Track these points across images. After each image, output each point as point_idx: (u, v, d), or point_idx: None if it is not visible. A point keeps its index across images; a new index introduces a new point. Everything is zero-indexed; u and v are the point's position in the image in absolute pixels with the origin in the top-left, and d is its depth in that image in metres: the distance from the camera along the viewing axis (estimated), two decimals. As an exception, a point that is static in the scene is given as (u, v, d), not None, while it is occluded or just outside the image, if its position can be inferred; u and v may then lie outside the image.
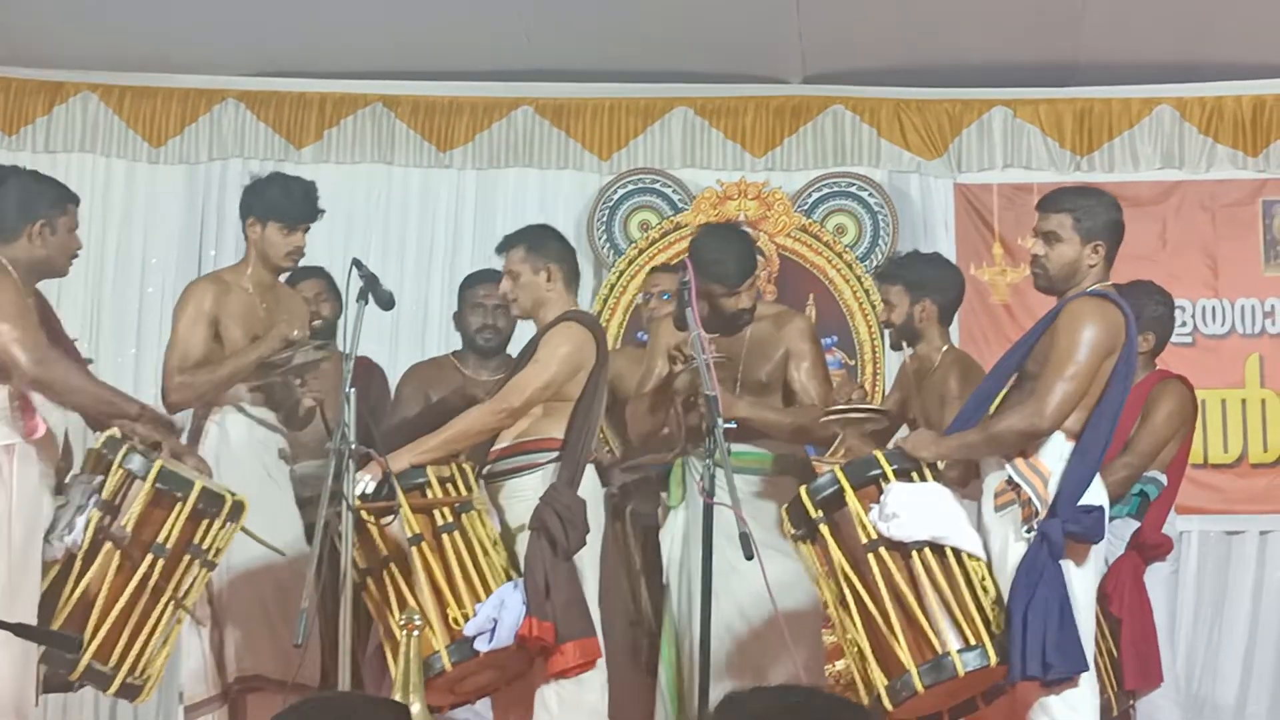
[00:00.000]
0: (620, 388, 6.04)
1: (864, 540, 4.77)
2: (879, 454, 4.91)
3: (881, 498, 4.79)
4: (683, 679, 5.51)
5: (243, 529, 5.16)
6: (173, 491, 5.02)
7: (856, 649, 4.79)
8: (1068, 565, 4.71)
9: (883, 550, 4.75)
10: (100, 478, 5.02)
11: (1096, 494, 4.81)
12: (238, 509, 5.11)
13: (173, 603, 5.05)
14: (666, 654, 5.57)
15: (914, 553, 4.75)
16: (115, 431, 5.09)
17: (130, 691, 5.03)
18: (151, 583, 4.99)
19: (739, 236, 5.84)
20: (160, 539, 5.01)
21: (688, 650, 5.43)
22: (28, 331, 4.97)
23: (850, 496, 4.82)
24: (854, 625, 4.76)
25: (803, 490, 4.91)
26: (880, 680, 4.69)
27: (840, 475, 4.85)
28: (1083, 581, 4.78)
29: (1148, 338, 5.98)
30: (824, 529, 4.84)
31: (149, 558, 4.99)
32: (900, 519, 4.73)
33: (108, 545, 4.96)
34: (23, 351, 4.92)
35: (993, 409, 4.95)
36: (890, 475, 4.83)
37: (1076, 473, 4.74)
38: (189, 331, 5.65)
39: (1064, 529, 4.67)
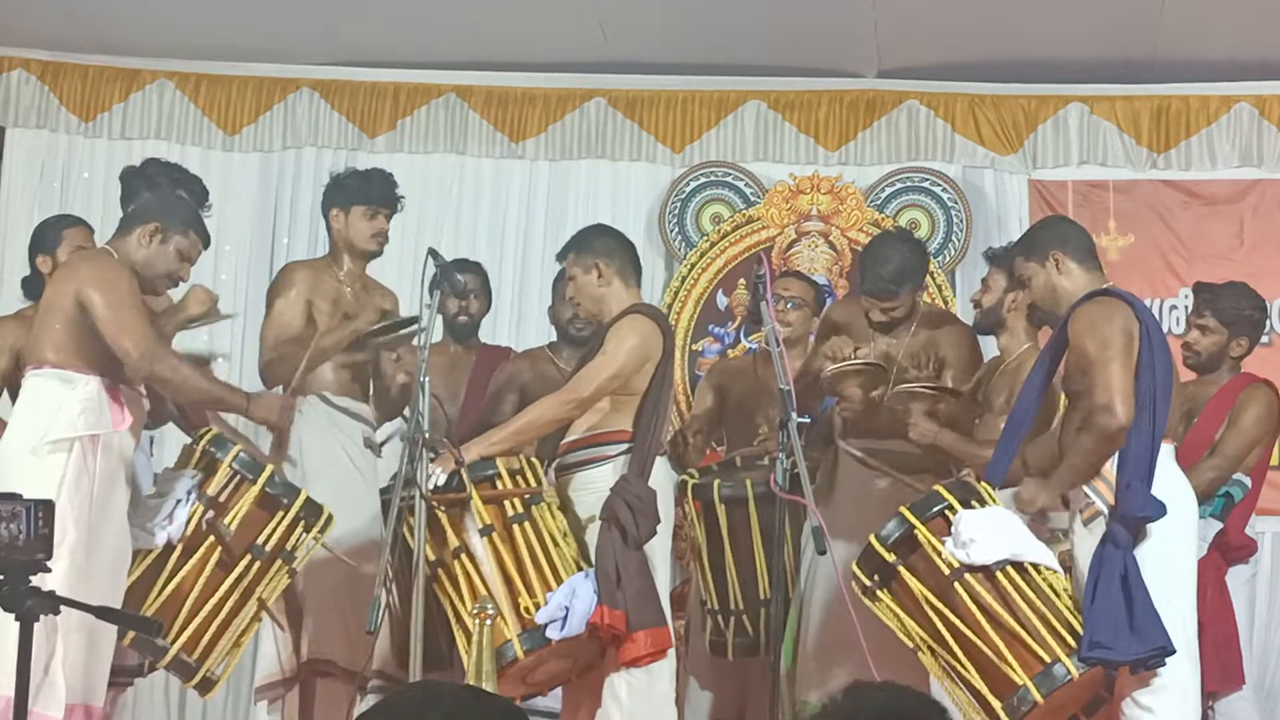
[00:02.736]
0: None
1: (946, 572, 4.80)
2: (940, 488, 4.96)
3: (953, 528, 4.83)
4: (797, 663, 5.64)
5: (323, 544, 5.24)
6: (280, 497, 5.12)
7: (961, 680, 4.77)
8: (1136, 552, 4.71)
9: (967, 576, 4.78)
10: (200, 474, 5.09)
11: (1179, 489, 4.82)
12: (328, 522, 5.19)
13: (257, 603, 5.12)
14: (789, 645, 5.64)
15: (997, 573, 4.78)
16: (219, 430, 5.19)
17: (206, 685, 5.11)
18: (245, 582, 5.08)
19: (899, 250, 5.82)
20: (260, 541, 5.10)
21: (802, 636, 5.62)
22: (139, 324, 4.99)
23: (923, 533, 4.85)
24: (955, 657, 4.76)
25: (872, 538, 4.92)
26: (995, 703, 4.69)
27: (908, 514, 4.88)
28: (1145, 562, 4.71)
29: (1241, 342, 6.10)
30: (902, 570, 4.87)
31: (247, 558, 5.08)
32: (978, 543, 4.76)
33: (209, 540, 5.03)
34: (132, 344, 4.95)
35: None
36: (956, 505, 4.87)
37: (1124, 470, 4.74)
38: (287, 308, 5.74)
39: (1116, 516, 4.69)
